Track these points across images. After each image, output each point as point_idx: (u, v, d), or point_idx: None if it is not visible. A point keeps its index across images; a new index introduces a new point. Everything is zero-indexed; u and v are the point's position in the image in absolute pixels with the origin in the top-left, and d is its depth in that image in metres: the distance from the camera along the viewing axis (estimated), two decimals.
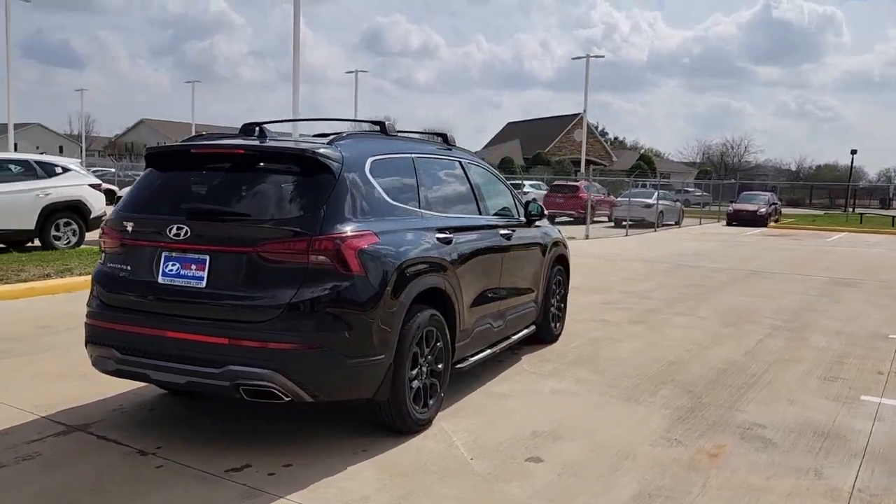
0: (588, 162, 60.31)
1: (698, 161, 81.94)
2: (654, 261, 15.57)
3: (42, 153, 25.99)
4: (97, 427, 4.57)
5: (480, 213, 5.70)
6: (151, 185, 4.48)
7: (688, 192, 49.28)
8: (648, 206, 28.41)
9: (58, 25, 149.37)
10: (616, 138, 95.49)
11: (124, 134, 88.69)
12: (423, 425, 4.62)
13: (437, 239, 4.80)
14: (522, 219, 6.46)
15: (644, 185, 33.48)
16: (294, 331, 3.90)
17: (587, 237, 21.70)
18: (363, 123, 5.13)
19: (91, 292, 4.51)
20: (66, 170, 13.28)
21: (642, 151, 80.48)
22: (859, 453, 4.49)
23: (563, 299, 7.47)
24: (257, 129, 4.78)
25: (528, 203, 6.56)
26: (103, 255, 4.53)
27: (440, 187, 5.35)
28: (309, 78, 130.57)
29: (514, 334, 6.23)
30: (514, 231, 6.11)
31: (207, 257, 4.07)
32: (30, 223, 12.51)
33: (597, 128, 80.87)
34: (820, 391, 5.80)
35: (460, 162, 5.72)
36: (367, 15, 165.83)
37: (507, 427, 4.76)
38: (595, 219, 30.36)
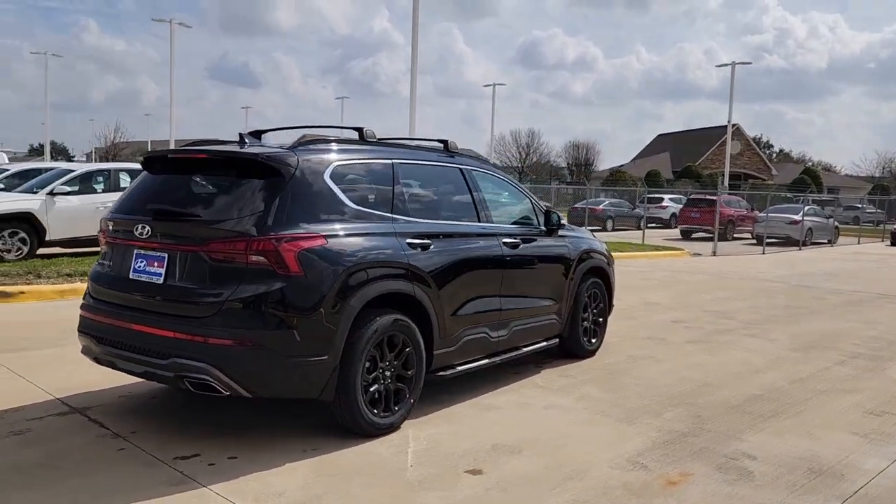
0: (745, 176, 57.24)
1: (877, 175, 75.18)
2: (770, 280, 14.54)
3: None
4: (94, 411, 4.96)
5: (480, 221, 5.63)
6: (137, 188, 4.84)
7: (857, 208, 45.55)
8: (794, 222, 26.50)
9: (240, 49, 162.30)
10: (781, 150, 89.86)
11: None
12: (384, 430, 4.64)
13: (409, 244, 4.81)
14: (542, 228, 6.31)
15: (803, 201, 31.24)
16: (231, 327, 4.07)
17: (714, 254, 20.63)
18: (344, 129, 5.23)
19: (87, 286, 4.93)
20: None
21: (808, 165, 75.02)
22: (845, 496, 4.01)
23: (603, 313, 7.19)
24: (245, 137, 4.97)
25: (548, 212, 6.40)
26: (101, 252, 4.95)
27: (425, 193, 5.35)
28: (465, 93, 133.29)
29: (524, 346, 6.09)
30: (525, 240, 5.99)
31: (166, 255, 4.34)
32: None
33: (759, 139, 76.56)
34: (854, 425, 5.21)
35: (461, 169, 5.68)
36: (524, 29, 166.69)
37: (471, 438, 4.68)
38: (736, 235, 28.86)
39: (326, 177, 4.52)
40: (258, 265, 4.11)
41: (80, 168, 14.07)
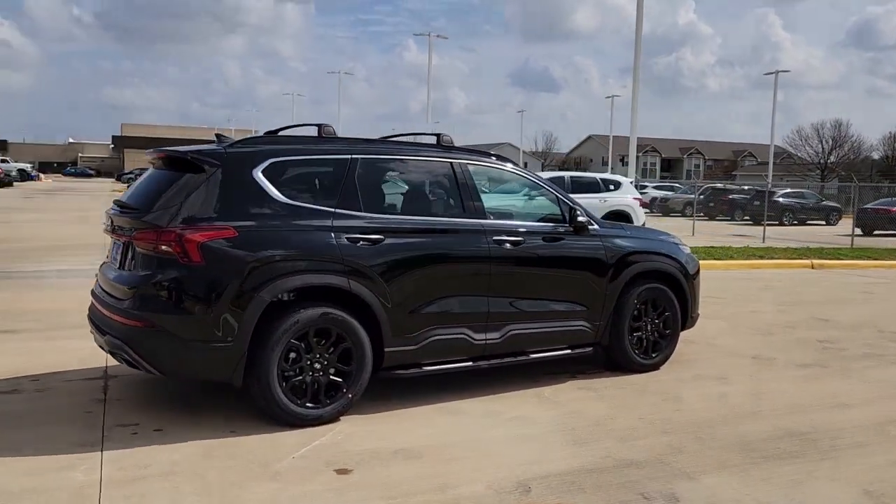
0: None
1: None
2: None
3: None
4: (118, 380, 5.64)
5: (466, 217, 5.36)
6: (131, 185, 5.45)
7: None
8: None
9: (542, 55, 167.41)
10: None
11: (575, 149, 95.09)
12: (311, 421, 4.67)
13: (348, 239, 4.79)
14: (563, 226, 5.81)
15: None
16: (140, 310, 4.45)
17: None
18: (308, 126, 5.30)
19: None
20: (618, 185, 17.10)
21: None
22: None
23: (670, 324, 6.38)
24: (221, 137, 5.30)
25: (572, 210, 5.85)
26: None
27: (393, 189, 5.26)
28: (784, 82, 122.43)
29: (533, 352, 5.68)
30: (532, 238, 5.59)
31: (122, 244, 4.85)
32: None
33: None
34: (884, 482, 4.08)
35: (451, 163, 5.46)
36: (855, 7, 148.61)
37: (386, 440, 4.52)
38: None
39: (256, 172, 4.69)
40: (166, 254, 4.43)
41: (544, 176, 16.81)
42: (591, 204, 16.50)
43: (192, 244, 4.39)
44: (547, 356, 5.79)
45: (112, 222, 4.90)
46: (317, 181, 4.97)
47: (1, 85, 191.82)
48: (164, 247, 4.42)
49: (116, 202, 5.05)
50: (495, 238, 5.40)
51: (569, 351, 5.88)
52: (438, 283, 5.15)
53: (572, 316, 5.81)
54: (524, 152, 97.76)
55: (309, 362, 4.70)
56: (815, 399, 5.66)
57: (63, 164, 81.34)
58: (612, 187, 17.71)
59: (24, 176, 56.85)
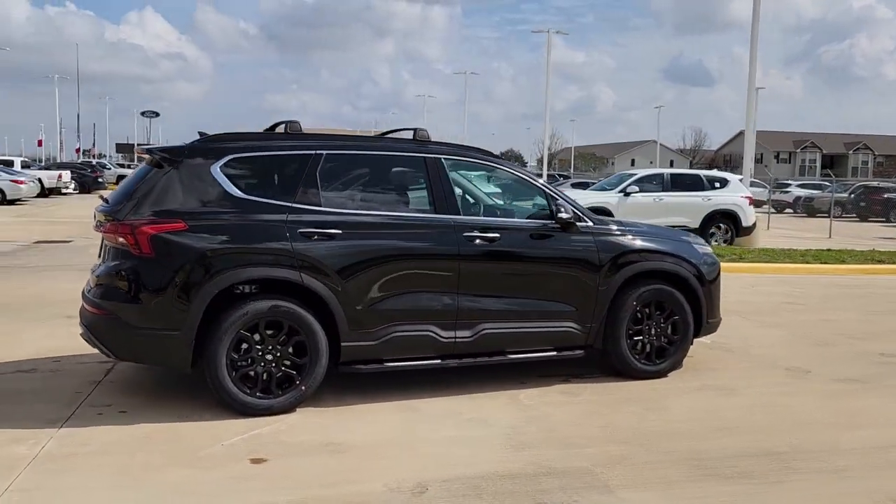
0: None
1: None
2: None
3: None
4: (125, 364, 6.05)
5: (437, 213, 5.27)
6: None
7: None
8: None
9: (694, 48, 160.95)
10: None
11: (724, 146, 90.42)
12: (262, 411, 4.78)
13: (302, 233, 4.86)
14: (553, 224, 5.58)
15: None
16: (101, 299, 4.75)
17: None
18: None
19: None
20: (725, 183, 16.68)
21: None
22: None
23: (679, 329, 5.97)
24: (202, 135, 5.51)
25: (556, 207, 5.59)
26: None
27: (357, 183, 5.26)
28: None
29: (512, 352, 5.51)
30: (510, 234, 5.44)
31: (101, 238, 5.19)
32: (695, 223, 15.75)
33: None
34: None
35: (425, 159, 5.39)
36: None
37: (320, 433, 4.54)
38: None
39: (215, 168, 4.86)
40: (123, 246, 4.70)
41: (641, 172, 17.95)
42: (693, 203, 15.93)
43: (143, 236, 4.64)
44: (528, 357, 5.59)
45: (95, 218, 5.26)
46: (276, 176, 5.07)
47: (178, 94, 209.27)
48: (121, 239, 4.70)
49: (102, 198, 5.41)
50: (466, 235, 5.28)
51: (554, 353, 5.65)
52: (399, 278, 5.12)
53: (558, 317, 5.58)
54: (670, 149, 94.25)
55: (260, 353, 4.81)
56: (826, 417, 5.11)
57: None
58: (717, 185, 16.73)
59: None
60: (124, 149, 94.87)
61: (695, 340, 6.90)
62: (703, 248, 6.24)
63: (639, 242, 5.87)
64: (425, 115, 57.15)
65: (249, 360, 4.80)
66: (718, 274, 6.24)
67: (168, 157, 4.88)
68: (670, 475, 4.04)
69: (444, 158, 5.47)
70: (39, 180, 30.09)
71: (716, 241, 16.09)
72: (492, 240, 5.35)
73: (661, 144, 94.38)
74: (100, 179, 38.47)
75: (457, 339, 5.28)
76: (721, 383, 5.85)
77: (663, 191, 16.56)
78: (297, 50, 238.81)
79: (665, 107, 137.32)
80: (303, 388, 4.91)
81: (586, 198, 16.42)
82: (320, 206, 5.01)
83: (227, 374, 4.73)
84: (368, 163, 5.38)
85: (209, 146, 5.00)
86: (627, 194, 16.12)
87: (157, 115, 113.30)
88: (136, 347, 4.75)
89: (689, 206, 16.15)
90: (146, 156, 5.07)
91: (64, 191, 33.09)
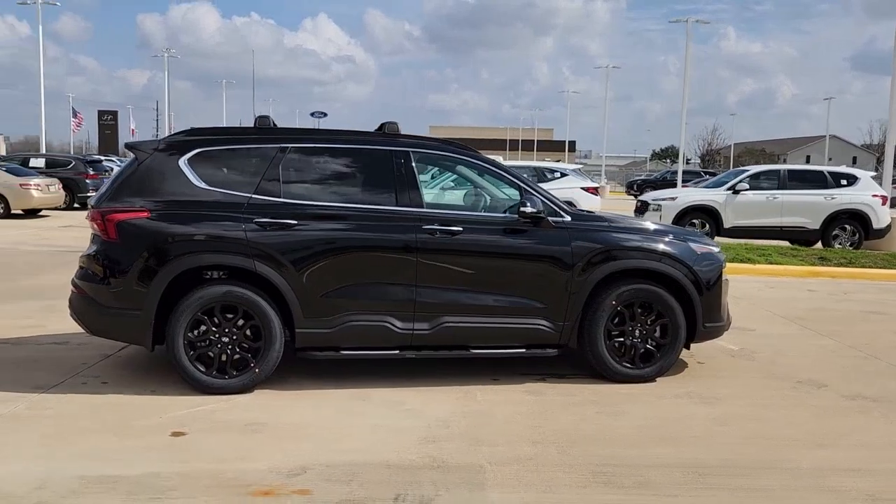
0: None
1: None
2: None
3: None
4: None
5: (399, 206, 5.32)
6: None
7: None
8: None
9: (891, 33, 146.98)
10: None
11: None
12: (217, 390, 5.07)
13: (257, 223, 5.11)
14: (512, 216, 5.49)
15: None
16: (78, 279, 5.25)
17: None
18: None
19: None
20: (853, 180, 15.40)
21: None
22: None
23: (669, 332, 5.65)
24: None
25: (524, 201, 5.45)
26: None
27: (320, 176, 5.41)
28: None
29: (476, 347, 5.47)
30: (478, 228, 5.42)
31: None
32: (815, 224, 14.98)
33: None
34: None
35: (391, 152, 5.45)
36: None
37: (258, 413, 4.76)
38: None
39: (182, 161, 5.21)
40: (97, 232, 5.17)
41: (756, 168, 16.65)
42: (813, 202, 14.71)
43: (110, 223, 5.07)
44: (493, 354, 5.53)
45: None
46: (240, 169, 5.32)
47: (348, 96, 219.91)
48: (95, 225, 5.17)
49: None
50: (426, 227, 5.30)
51: (523, 351, 5.54)
52: (355, 268, 5.23)
53: (525, 313, 5.46)
54: (853, 145, 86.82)
55: (217, 335, 5.11)
56: (799, 434, 4.66)
57: None
58: (843, 182, 15.27)
59: None
60: None
61: (721, 345, 6.57)
62: (702, 246, 5.85)
63: (620, 239, 5.61)
64: (584, 111, 56.10)
65: (207, 342, 5.11)
66: (719, 275, 5.83)
67: (142, 151, 5.29)
68: (559, 479, 3.88)
69: (413, 152, 5.51)
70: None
71: (839, 243, 14.77)
72: (453, 233, 5.33)
73: (843, 140, 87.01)
74: None
75: (414, 332, 5.32)
76: (709, 392, 5.47)
77: (779, 188, 15.34)
78: (458, 50, 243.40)
79: (851, 98, 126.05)
80: (256, 370, 5.15)
81: (689, 195, 15.64)
82: (279, 197, 5.23)
83: (184, 354, 5.06)
84: (333, 156, 5.52)
85: (179, 140, 5.36)
86: (737, 192, 15.10)
87: (325, 115, 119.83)
88: (105, 324, 5.20)
89: (809, 206, 14.89)
90: (129, 151, 5.52)
91: None
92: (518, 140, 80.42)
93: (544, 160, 33.27)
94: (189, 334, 5.07)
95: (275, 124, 5.67)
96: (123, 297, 5.07)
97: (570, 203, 13.99)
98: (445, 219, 5.40)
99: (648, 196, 16.09)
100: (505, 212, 5.69)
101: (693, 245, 5.80)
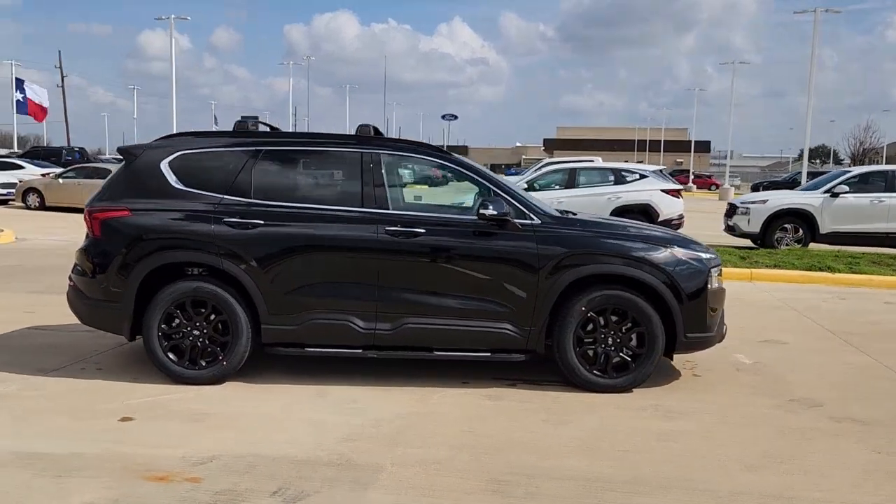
0: None
1: None
2: None
3: None
4: None
5: (364, 207, 5.40)
6: None
7: None
8: None
9: None
10: None
11: None
12: (190, 380, 5.38)
13: (227, 223, 5.36)
14: (470, 217, 5.46)
15: None
16: (72, 272, 5.70)
17: None
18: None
19: None
20: None
21: None
22: None
23: (646, 342, 5.42)
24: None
25: (486, 203, 5.37)
26: None
27: (291, 178, 5.58)
28: None
29: (439, 349, 5.47)
30: (443, 230, 5.43)
31: None
32: None
33: None
34: None
35: (361, 154, 5.54)
36: None
37: (213, 404, 5.00)
38: None
39: (163, 164, 5.54)
40: (88, 229, 5.60)
41: (859, 169, 15.76)
42: None
43: (95, 221, 5.49)
44: (457, 356, 5.50)
45: None
46: (215, 171, 5.57)
47: (480, 98, 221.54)
48: (85, 223, 5.61)
49: None
50: (389, 229, 5.36)
51: (488, 355, 5.48)
52: (318, 268, 5.38)
53: (491, 316, 5.40)
54: None
55: (188, 329, 5.41)
56: (745, 456, 4.34)
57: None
58: None
59: None
60: None
61: (734, 358, 6.27)
62: (686, 252, 5.54)
63: (591, 243, 5.43)
64: (731, 108, 53.42)
65: (180, 334, 5.42)
66: (705, 283, 5.50)
67: (130, 154, 5.68)
68: (450, 484, 3.85)
69: (384, 154, 5.59)
70: None
71: None
72: (416, 234, 5.37)
73: None
74: None
75: (376, 332, 5.40)
76: (679, 406, 5.20)
77: (886, 191, 14.11)
78: (593, 49, 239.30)
79: None
80: (224, 363, 5.41)
81: (781, 198, 14.70)
82: (249, 198, 5.46)
83: (158, 345, 5.40)
84: (305, 158, 5.70)
85: (163, 144, 5.71)
86: (835, 195, 14.03)
87: (456, 117, 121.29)
88: (90, 315, 5.63)
89: None
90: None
91: None
92: (646, 140, 77.98)
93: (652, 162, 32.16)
94: (163, 326, 5.40)
95: (258, 126, 5.92)
96: (105, 290, 5.47)
97: (647, 206, 13.87)
98: (408, 220, 5.43)
99: (738, 199, 15.24)
100: (440, 212, 5.68)
101: (675, 250, 5.52)
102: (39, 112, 35.85)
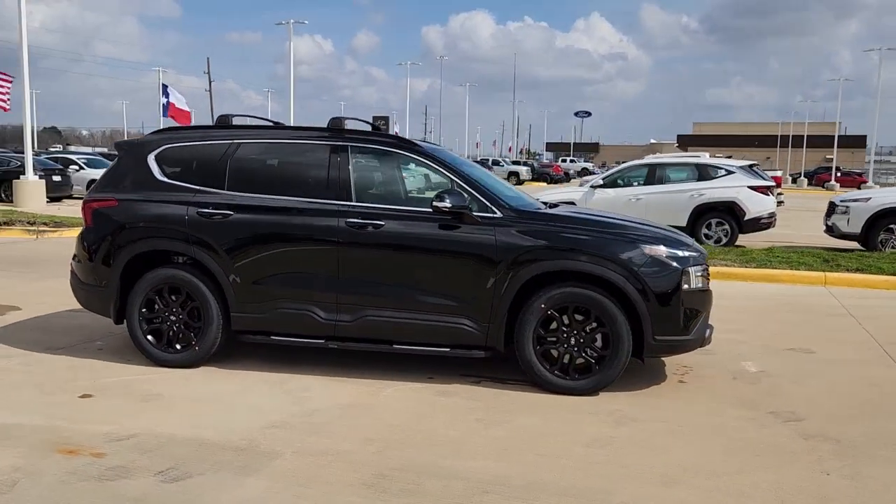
0: None
1: None
2: None
3: None
4: None
5: (327, 199, 5.45)
6: None
7: None
8: None
9: None
10: None
11: None
12: (166, 363, 5.64)
13: (199, 213, 5.58)
14: (421, 209, 5.41)
15: None
16: (71, 260, 6.11)
17: None
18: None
19: None
20: None
21: None
22: None
23: (611, 343, 5.14)
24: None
25: (440, 195, 5.25)
26: None
27: (264, 170, 5.71)
28: None
29: (398, 342, 5.43)
30: (401, 222, 5.37)
31: None
32: None
33: None
34: None
35: (330, 147, 5.58)
36: None
37: (173, 387, 5.23)
38: None
39: (150, 157, 5.83)
40: (82, 217, 5.99)
41: None
42: None
43: (87, 210, 5.87)
44: (417, 350, 5.43)
45: None
46: (195, 163, 5.80)
47: (618, 94, 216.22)
48: (80, 212, 6.01)
49: None
50: (349, 220, 5.38)
51: (447, 350, 5.38)
52: (283, 258, 5.48)
53: (449, 311, 5.30)
54: None
55: (166, 314, 5.68)
56: (669, 469, 4.02)
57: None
58: None
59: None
60: (554, 147, 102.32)
61: (737, 366, 5.92)
62: (658, 248, 5.18)
63: (552, 238, 5.20)
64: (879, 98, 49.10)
65: (159, 319, 5.70)
66: (678, 282, 5.13)
67: (123, 147, 6.03)
68: (334, 476, 3.81)
69: (352, 146, 5.61)
70: None
71: None
72: (376, 226, 5.36)
73: None
74: None
75: (337, 323, 5.44)
76: (636, 413, 4.88)
77: None
78: (741, 40, 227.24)
79: None
80: (196, 348, 5.63)
81: (886, 196, 13.37)
82: (223, 189, 5.65)
83: (139, 328, 5.70)
84: (278, 151, 5.80)
85: (153, 138, 6.02)
86: None
87: (589, 114, 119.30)
88: (86, 299, 6.01)
89: None
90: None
91: None
92: (789, 136, 73.21)
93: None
94: (143, 311, 5.70)
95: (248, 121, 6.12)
96: (94, 275, 5.84)
97: (732, 204, 13.06)
98: (369, 212, 5.42)
99: (837, 197, 14.04)
100: (406, 205, 5.63)
101: (645, 247, 5.18)
102: (180, 115, 38.23)
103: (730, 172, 13.95)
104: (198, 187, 5.69)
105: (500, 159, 59.94)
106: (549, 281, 5.21)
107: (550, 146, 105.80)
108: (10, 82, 23.29)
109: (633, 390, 5.34)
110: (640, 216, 13.58)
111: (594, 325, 5.18)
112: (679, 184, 14.27)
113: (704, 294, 5.35)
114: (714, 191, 13.73)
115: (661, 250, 5.21)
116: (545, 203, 6.50)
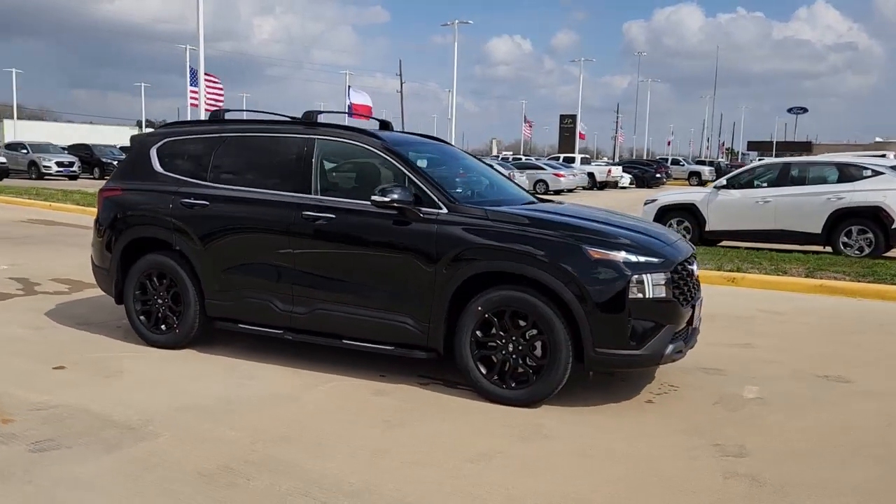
0: None
1: None
2: None
3: None
4: None
5: (288, 191, 5.52)
6: None
7: None
8: None
9: None
10: None
11: None
12: (155, 344, 6.01)
13: (182, 203, 5.87)
14: (367, 205, 5.22)
15: None
16: (91, 244, 6.66)
17: None
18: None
19: None
20: None
21: None
22: None
23: (550, 350, 4.75)
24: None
25: (380, 189, 5.09)
26: None
27: (240, 163, 5.85)
28: None
29: (347, 338, 5.36)
30: (352, 216, 5.31)
31: None
32: None
33: None
34: None
35: (301, 139, 5.61)
36: None
37: (137, 366, 5.57)
38: None
39: (152, 150, 6.22)
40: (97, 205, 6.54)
41: None
42: None
43: (100, 198, 6.39)
44: (363, 347, 5.33)
45: None
46: (187, 156, 6.08)
47: (844, 89, 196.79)
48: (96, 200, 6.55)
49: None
50: (305, 213, 5.41)
51: (392, 349, 5.23)
52: (246, 248, 5.63)
53: (392, 308, 5.16)
54: None
55: (154, 297, 6.06)
56: (527, 495, 3.65)
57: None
58: None
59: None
60: (756, 146, 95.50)
61: (730, 391, 5.37)
62: (607, 252, 4.67)
63: (496, 236, 4.88)
64: None
65: (149, 301, 6.09)
66: (623, 290, 4.60)
67: (135, 142, 6.48)
68: (173, 463, 3.83)
69: (318, 139, 5.62)
70: (591, 175, 34.16)
71: None
72: (327, 220, 5.34)
73: None
74: (658, 175, 40.71)
75: (293, 314, 5.49)
76: (555, 431, 4.45)
77: None
78: None
79: None
80: (177, 331, 5.95)
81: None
82: (205, 181, 5.90)
83: (133, 309, 6.13)
84: (258, 144, 5.90)
85: (160, 132, 6.41)
86: None
87: (805, 111, 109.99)
88: (99, 280, 6.53)
89: None
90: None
91: (620, 185, 36.52)
92: None
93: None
94: (137, 293, 6.11)
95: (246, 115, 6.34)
96: (100, 258, 6.34)
97: (877, 209, 11.51)
98: (322, 205, 5.40)
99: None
100: (362, 198, 5.41)
101: (590, 250, 4.70)
102: (362, 110, 40.38)
103: (878, 173, 12.23)
104: (185, 178, 5.99)
105: (679, 158, 57.12)
106: (492, 282, 4.90)
107: (752, 145, 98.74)
108: (222, 88, 25.99)
109: (587, 405, 4.89)
110: (768, 220, 12.53)
111: (534, 332, 4.80)
112: (815, 185, 12.74)
113: (665, 305, 4.75)
114: (856, 194, 12.11)
115: (610, 255, 4.70)
116: (545, 200, 6.10)
